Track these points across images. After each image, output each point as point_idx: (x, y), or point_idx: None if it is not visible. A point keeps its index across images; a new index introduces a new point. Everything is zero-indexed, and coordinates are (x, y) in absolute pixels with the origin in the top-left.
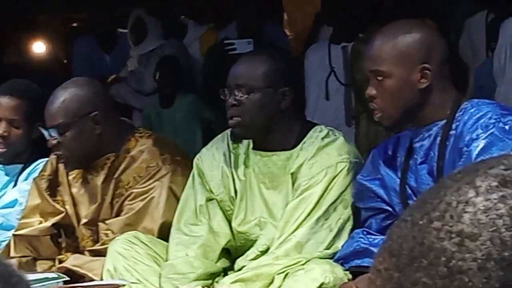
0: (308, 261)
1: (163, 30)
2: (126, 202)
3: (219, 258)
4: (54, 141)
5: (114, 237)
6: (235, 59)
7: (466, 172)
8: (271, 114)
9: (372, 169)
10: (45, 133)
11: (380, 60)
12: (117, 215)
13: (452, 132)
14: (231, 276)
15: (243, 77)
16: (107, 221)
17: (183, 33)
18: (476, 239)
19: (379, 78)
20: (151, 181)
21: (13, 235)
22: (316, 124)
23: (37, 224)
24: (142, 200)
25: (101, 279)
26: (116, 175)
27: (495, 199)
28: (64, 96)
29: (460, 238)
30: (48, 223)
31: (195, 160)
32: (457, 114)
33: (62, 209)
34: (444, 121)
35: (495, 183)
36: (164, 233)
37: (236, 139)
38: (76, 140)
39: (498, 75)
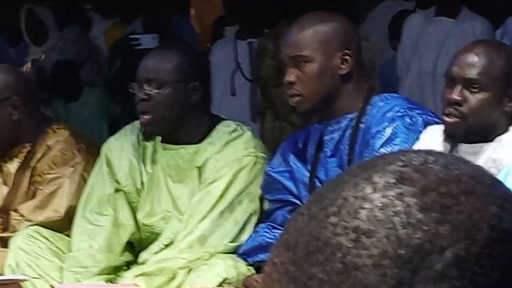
0: (212, 256)
1: (65, 23)
2: (39, 188)
3: (123, 252)
4: None
5: (24, 221)
6: (141, 54)
7: (364, 167)
8: (181, 108)
9: (281, 161)
10: None
11: (301, 46)
12: None
13: (362, 125)
14: (134, 270)
15: (154, 71)
16: (18, 207)
17: (88, 27)
18: (372, 236)
19: (300, 63)
20: (64, 167)
21: None
22: (223, 119)
23: None
24: (54, 184)
25: (2, 274)
26: (32, 164)
27: (392, 196)
28: None
29: (356, 235)
30: None
31: (103, 148)
32: (366, 108)
33: None
34: (353, 114)
35: (392, 180)
36: (71, 217)
37: (147, 137)
38: None
39: (403, 70)
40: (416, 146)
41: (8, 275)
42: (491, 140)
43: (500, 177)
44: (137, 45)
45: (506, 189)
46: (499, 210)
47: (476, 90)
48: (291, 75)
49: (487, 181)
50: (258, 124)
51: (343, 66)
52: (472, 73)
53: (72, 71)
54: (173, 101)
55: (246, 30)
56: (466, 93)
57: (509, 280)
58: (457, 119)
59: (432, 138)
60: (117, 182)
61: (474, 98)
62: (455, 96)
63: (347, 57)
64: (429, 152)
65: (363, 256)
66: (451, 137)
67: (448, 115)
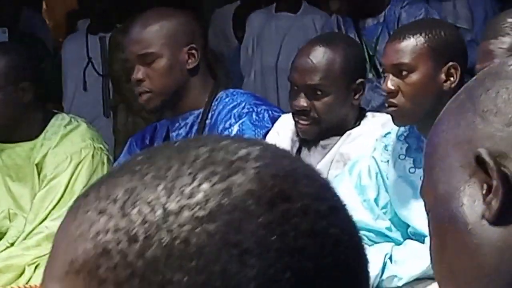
0: None
1: None
2: None
3: None
4: None
5: None
6: None
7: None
8: (12, 111)
9: (128, 157)
10: None
11: (148, 43)
12: None
13: (208, 121)
14: None
15: None
16: None
17: None
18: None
19: (148, 60)
20: None
21: None
22: (57, 113)
23: None
24: None
25: None
26: None
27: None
28: None
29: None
30: None
31: None
32: (213, 104)
33: None
34: (200, 110)
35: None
36: None
37: None
38: None
39: (246, 65)
40: (269, 135)
41: None
42: (342, 134)
43: (346, 170)
44: None
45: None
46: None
47: (321, 95)
48: (139, 73)
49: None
50: (111, 119)
51: (190, 61)
52: (313, 79)
53: None
54: (4, 105)
55: (98, 24)
56: (311, 99)
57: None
58: (308, 125)
59: (285, 126)
60: None
61: (321, 103)
62: (302, 104)
63: (194, 51)
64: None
65: None
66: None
67: (298, 122)
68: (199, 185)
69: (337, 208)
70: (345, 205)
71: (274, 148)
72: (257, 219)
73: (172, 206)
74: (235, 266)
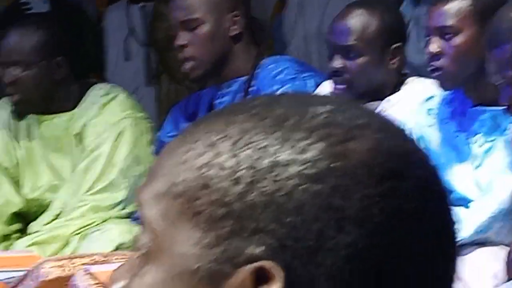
0: (105, 221)
1: None
2: None
3: (11, 222)
4: None
5: None
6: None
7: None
8: (48, 86)
9: (172, 126)
10: None
11: (192, 9)
12: None
13: (252, 88)
14: (26, 239)
15: (16, 53)
16: None
17: None
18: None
19: (192, 26)
20: None
21: None
22: (95, 83)
23: None
24: None
25: None
26: None
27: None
28: None
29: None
30: None
31: None
32: (256, 71)
33: None
34: (244, 78)
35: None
36: None
37: (19, 116)
38: None
39: (289, 32)
40: None
41: None
42: (381, 99)
43: None
44: (28, 10)
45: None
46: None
47: (354, 56)
48: (182, 39)
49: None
50: (154, 89)
51: (233, 28)
52: (347, 40)
53: None
54: (39, 80)
55: None
56: (345, 60)
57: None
58: (343, 86)
59: (326, 92)
60: None
61: (354, 64)
62: (336, 64)
63: (237, 18)
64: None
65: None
66: None
67: (335, 86)
68: (314, 142)
69: (443, 195)
70: (449, 193)
71: (393, 125)
72: (365, 189)
73: (282, 157)
74: (332, 230)
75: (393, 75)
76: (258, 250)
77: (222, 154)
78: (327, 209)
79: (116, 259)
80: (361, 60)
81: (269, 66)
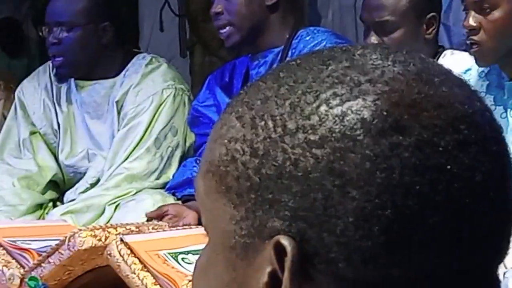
0: (139, 191)
1: None
2: None
3: (46, 190)
4: None
5: None
6: None
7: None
8: (92, 50)
9: (208, 95)
10: None
11: None
12: None
13: (288, 59)
14: (61, 208)
15: (63, 14)
16: None
17: None
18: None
19: None
20: None
21: None
22: (138, 52)
23: None
24: None
25: None
26: None
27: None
28: None
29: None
30: None
31: (16, 92)
32: (293, 42)
33: None
34: (280, 48)
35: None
36: None
37: (61, 78)
38: None
39: (324, 5)
40: None
41: None
42: None
43: None
44: None
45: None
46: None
47: (390, 30)
48: (217, 6)
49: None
50: (187, 59)
51: None
52: (380, 16)
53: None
54: (84, 43)
55: None
56: (381, 36)
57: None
58: None
59: None
60: (33, 124)
61: (390, 39)
62: (372, 42)
63: None
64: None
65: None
66: None
67: None
68: (318, 106)
69: (468, 143)
70: (490, 138)
71: (423, 67)
72: (363, 150)
73: (291, 125)
74: (337, 196)
75: (430, 46)
76: (276, 223)
77: (245, 127)
78: (330, 174)
79: (150, 229)
80: (397, 33)
81: (306, 38)
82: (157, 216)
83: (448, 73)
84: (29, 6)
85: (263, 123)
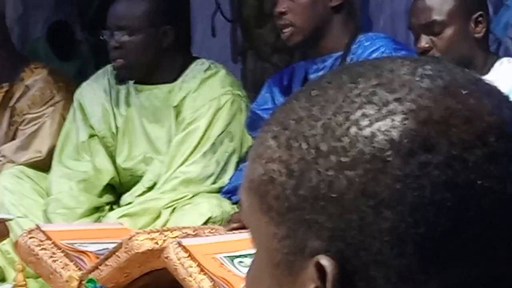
0: (196, 195)
1: None
2: (19, 128)
3: (103, 193)
4: None
5: (6, 163)
6: None
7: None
8: (153, 53)
9: (266, 98)
10: None
11: None
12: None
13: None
14: (118, 211)
15: (124, 18)
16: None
17: None
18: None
19: None
20: (44, 107)
21: None
22: (197, 58)
23: None
24: (34, 124)
25: None
26: (11, 104)
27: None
28: None
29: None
30: None
31: (75, 95)
32: (352, 47)
33: None
34: (339, 53)
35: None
36: (51, 157)
37: (121, 80)
38: None
39: (375, 11)
40: None
41: None
42: None
43: None
44: None
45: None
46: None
47: (438, 31)
48: (282, 5)
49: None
50: (239, 65)
51: None
52: (428, 18)
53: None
54: (145, 47)
55: None
56: (431, 37)
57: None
58: None
59: None
60: (91, 127)
61: (440, 39)
62: (422, 44)
63: None
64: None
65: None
66: None
67: None
68: (348, 128)
69: (497, 155)
70: None
71: (451, 79)
72: (393, 171)
73: (323, 147)
74: (371, 216)
75: (482, 46)
76: (315, 242)
77: (281, 147)
78: (363, 195)
79: (206, 232)
80: (446, 33)
81: (366, 43)
82: (240, 227)
83: (477, 81)
84: (80, 10)
85: (297, 144)
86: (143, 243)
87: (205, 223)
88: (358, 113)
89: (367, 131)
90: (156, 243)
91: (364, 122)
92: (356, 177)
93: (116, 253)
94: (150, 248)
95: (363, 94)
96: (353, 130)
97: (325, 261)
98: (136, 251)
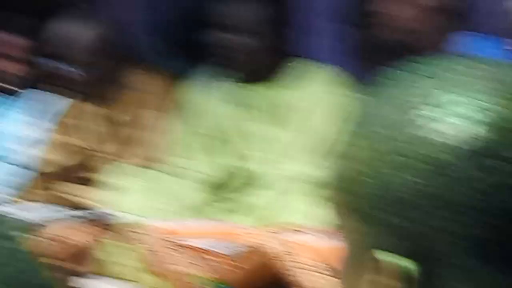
0: (297, 193)
1: None
2: (128, 130)
3: (210, 192)
4: None
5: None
6: None
7: None
8: (262, 55)
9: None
10: None
11: None
12: None
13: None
14: (221, 209)
15: (237, 20)
16: (106, 148)
17: None
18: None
19: None
20: (153, 109)
21: None
22: (299, 57)
23: None
24: (143, 127)
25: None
26: (118, 106)
27: None
28: None
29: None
30: None
31: (182, 93)
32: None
33: None
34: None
35: None
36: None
37: (229, 81)
38: None
39: None
40: None
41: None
42: None
43: None
44: None
45: None
46: None
47: None
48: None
49: None
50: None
51: None
52: None
53: None
54: (254, 48)
55: None
56: None
57: None
58: None
59: None
60: (202, 127)
61: None
62: None
63: None
64: None
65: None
66: None
67: None
68: (404, 127)
69: None
70: None
71: (506, 78)
72: (452, 173)
73: (383, 148)
74: (435, 218)
75: None
76: (391, 242)
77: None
78: (424, 197)
79: (307, 230)
80: None
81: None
82: None
83: None
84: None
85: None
86: (247, 240)
87: (305, 220)
88: (414, 113)
89: (423, 132)
90: (259, 240)
91: (420, 123)
92: (415, 178)
93: (220, 251)
94: (254, 245)
95: (419, 93)
96: (409, 130)
97: (402, 261)
98: (241, 248)
